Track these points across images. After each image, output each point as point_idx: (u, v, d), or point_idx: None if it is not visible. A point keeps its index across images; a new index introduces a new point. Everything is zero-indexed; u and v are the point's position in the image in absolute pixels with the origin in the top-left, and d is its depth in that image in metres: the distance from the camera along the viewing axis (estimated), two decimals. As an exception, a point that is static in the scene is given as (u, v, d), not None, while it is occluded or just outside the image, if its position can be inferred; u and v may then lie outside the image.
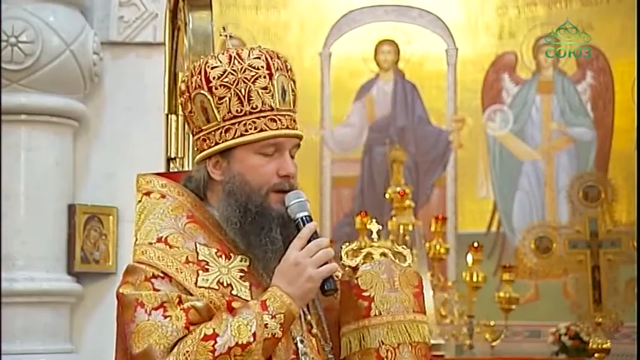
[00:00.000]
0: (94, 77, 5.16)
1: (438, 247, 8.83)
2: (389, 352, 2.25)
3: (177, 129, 3.73)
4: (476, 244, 8.69)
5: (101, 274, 5.14)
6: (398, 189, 8.96)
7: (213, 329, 2.12)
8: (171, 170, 3.69)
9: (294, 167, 2.29)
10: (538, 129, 10.87)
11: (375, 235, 2.39)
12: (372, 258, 2.33)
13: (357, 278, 2.28)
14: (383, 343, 2.26)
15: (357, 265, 2.31)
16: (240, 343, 2.11)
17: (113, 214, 5.17)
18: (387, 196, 9.09)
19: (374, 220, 2.46)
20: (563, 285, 10.14)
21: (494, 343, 8.53)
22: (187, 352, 2.11)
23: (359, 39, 11.23)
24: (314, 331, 2.31)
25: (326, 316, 2.37)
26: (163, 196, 2.33)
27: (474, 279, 8.52)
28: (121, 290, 2.24)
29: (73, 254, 5.05)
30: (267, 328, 2.14)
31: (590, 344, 7.39)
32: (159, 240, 2.25)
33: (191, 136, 2.40)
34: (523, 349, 9.84)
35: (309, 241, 2.22)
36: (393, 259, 2.34)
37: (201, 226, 2.29)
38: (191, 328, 2.14)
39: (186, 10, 3.64)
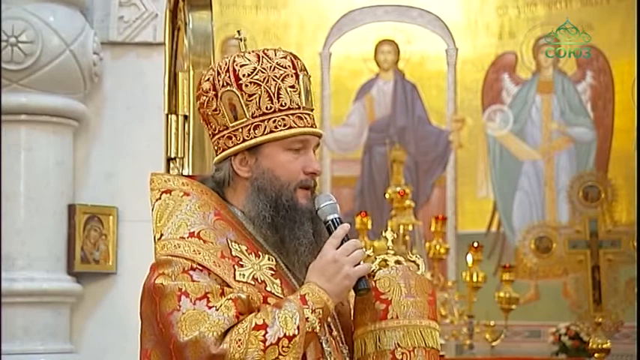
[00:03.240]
0: (94, 77, 5.16)
1: (438, 247, 8.84)
2: (404, 355, 2.29)
3: (177, 129, 3.73)
4: (476, 244, 8.69)
5: (101, 274, 5.14)
6: (398, 189, 8.97)
7: (263, 319, 2.15)
8: (171, 170, 3.69)
9: (319, 165, 2.35)
10: (538, 129, 10.87)
11: (390, 243, 2.42)
12: (387, 264, 2.37)
13: (375, 281, 2.32)
14: (399, 346, 2.29)
15: (374, 270, 2.35)
16: (287, 334, 2.15)
17: (113, 214, 5.16)
18: (387, 196, 9.09)
19: (390, 229, 2.50)
20: (563, 285, 10.15)
21: (494, 343, 8.53)
22: (239, 340, 2.13)
23: (359, 39, 11.23)
24: (334, 333, 2.35)
25: (338, 319, 2.41)
26: (187, 194, 2.34)
27: (474, 279, 8.52)
28: (158, 281, 2.20)
29: (73, 254, 5.05)
30: (308, 321, 2.18)
31: (590, 344, 7.39)
32: (191, 235, 2.25)
33: (210, 136, 2.39)
34: (523, 349, 9.85)
35: (342, 242, 2.27)
36: (407, 266, 2.39)
37: (229, 223, 2.31)
38: (240, 318, 2.16)
39: (186, 10, 3.64)
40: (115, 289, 5.14)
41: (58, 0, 5.02)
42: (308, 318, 2.18)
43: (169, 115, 3.76)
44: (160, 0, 5.14)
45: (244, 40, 2.43)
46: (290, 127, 2.29)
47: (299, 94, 2.31)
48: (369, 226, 8.87)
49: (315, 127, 2.34)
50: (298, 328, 2.16)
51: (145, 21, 5.25)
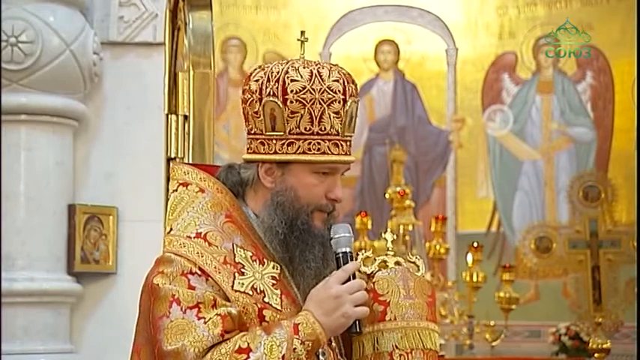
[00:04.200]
0: (94, 77, 5.16)
1: (437, 247, 8.84)
2: (402, 357, 2.29)
3: (177, 129, 3.73)
4: (476, 244, 8.69)
5: (101, 274, 5.14)
6: (398, 189, 8.97)
7: (248, 344, 2.15)
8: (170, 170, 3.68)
9: (342, 192, 2.34)
10: (538, 129, 10.88)
11: (390, 245, 2.42)
12: (387, 266, 2.36)
13: (373, 283, 2.32)
14: (397, 348, 2.29)
15: (373, 272, 2.34)
16: None
17: (113, 214, 5.16)
18: (387, 196, 9.10)
19: (389, 230, 2.50)
20: (563, 285, 10.15)
21: (494, 343, 8.53)
22: None
23: (359, 39, 11.23)
24: (332, 345, 2.34)
25: None
26: (202, 191, 2.35)
27: (474, 279, 8.53)
28: (155, 281, 2.22)
29: (73, 254, 5.04)
30: (294, 352, 2.17)
31: (590, 344, 7.39)
32: (198, 235, 2.26)
33: (246, 131, 2.38)
34: (523, 349, 9.85)
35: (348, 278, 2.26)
36: (406, 268, 2.39)
37: (238, 227, 2.31)
38: (226, 336, 2.16)
39: (186, 10, 3.65)
40: (115, 289, 5.14)
41: (58, 0, 5.02)
42: (295, 349, 2.17)
43: (169, 115, 3.76)
44: (160, 0, 5.14)
45: (306, 41, 2.44)
46: (323, 153, 2.27)
47: (341, 120, 2.28)
48: (369, 226, 8.88)
49: (349, 155, 2.32)
50: (283, 357, 2.15)
51: (145, 21, 5.25)
